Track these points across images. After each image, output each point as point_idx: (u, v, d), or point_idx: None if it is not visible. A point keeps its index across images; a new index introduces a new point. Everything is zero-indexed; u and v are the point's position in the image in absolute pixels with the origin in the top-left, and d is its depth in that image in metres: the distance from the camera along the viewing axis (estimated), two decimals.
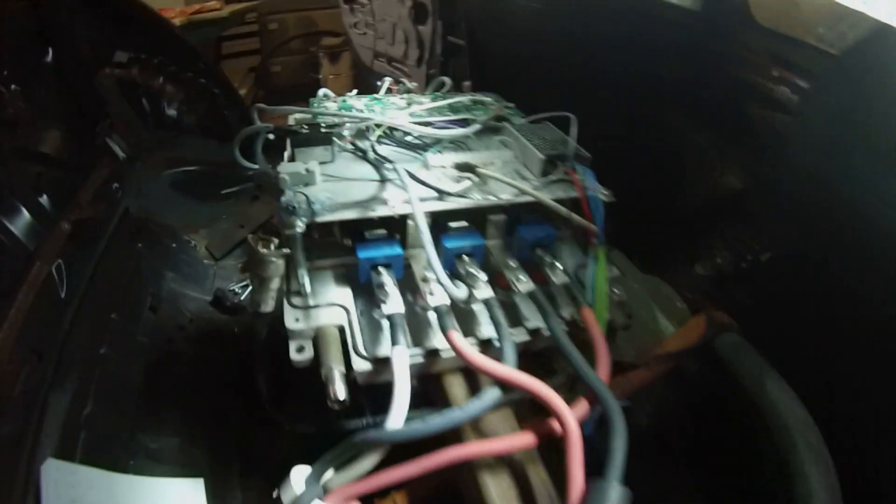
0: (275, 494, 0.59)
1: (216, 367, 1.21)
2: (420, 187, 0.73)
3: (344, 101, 0.96)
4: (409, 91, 1.02)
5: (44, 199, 1.03)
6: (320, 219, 0.68)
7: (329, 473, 0.58)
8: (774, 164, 0.83)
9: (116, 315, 1.07)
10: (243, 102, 1.73)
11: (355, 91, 1.00)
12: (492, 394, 0.60)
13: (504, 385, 0.61)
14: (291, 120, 0.91)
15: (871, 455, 0.67)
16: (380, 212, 0.69)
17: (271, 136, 0.85)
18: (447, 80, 1.03)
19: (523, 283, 0.70)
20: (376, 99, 0.96)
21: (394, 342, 0.62)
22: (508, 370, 0.60)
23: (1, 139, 1.05)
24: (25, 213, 0.96)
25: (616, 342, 0.77)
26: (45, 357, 0.84)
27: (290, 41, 2.71)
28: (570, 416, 0.56)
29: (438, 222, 0.73)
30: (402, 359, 0.61)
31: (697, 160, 1.04)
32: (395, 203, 0.70)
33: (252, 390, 0.94)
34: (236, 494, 0.99)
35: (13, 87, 1.13)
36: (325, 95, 0.98)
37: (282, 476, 0.99)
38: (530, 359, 0.71)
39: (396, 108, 0.92)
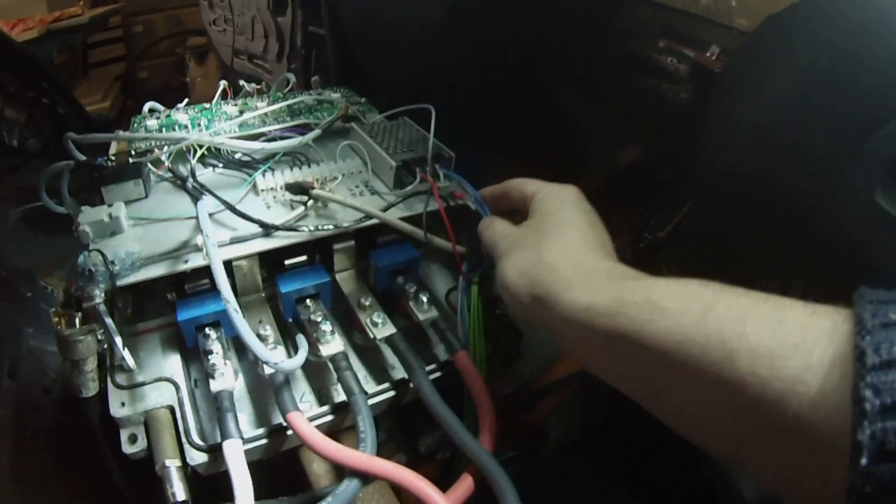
0: None
1: (89, 431, 1.05)
2: (241, 222, 0.59)
3: (169, 115, 0.81)
4: (248, 95, 0.88)
5: None
6: (122, 282, 0.54)
7: None
8: (674, 138, 0.79)
9: None
10: (93, 121, 1.54)
11: (185, 101, 0.84)
12: (350, 487, 0.47)
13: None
14: (113, 148, 0.76)
15: None
16: (192, 262, 0.56)
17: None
18: (291, 76, 0.89)
19: (379, 328, 0.58)
20: (206, 110, 0.81)
21: (223, 434, 0.50)
22: (364, 458, 0.48)
23: None
24: None
25: (513, 366, 0.66)
26: None
27: (156, 43, 2.50)
28: None
29: (273, 262, 0.61)
30: (236, 454, 0.48)
31: (593, 139, 0.97)
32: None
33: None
34: None
35: None
36: (151, 111, 0.83)
37: None
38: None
39: (227, 119, 0.77)
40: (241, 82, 0.90)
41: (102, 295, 0.52)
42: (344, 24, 1.19)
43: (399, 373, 0.60)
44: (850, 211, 0.51)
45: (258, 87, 0.90)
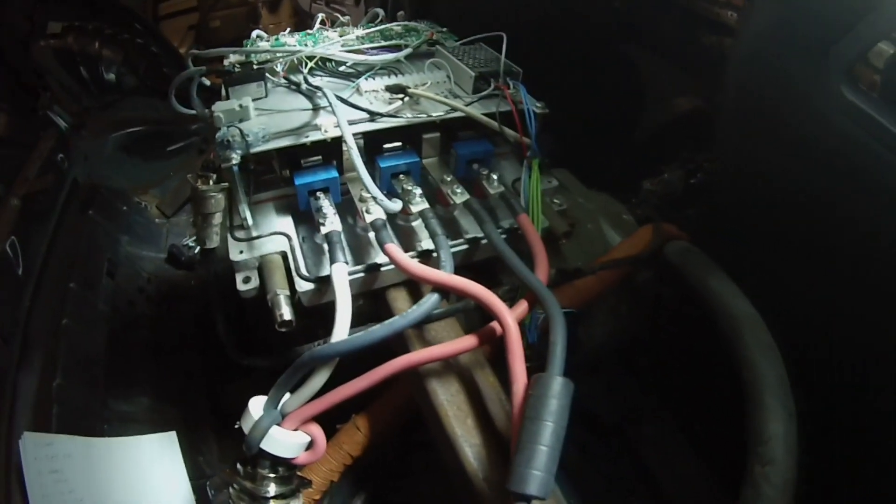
0: (237, 426, 0.59)
1: (178, 324, 1.22)
2: (351, 111, 0.73)
3: (277, 39, 0.95)
4: (343, 25, 1.02)
5: None
6: (255, 150, 0.68)
7: (285, 398, 0.59)
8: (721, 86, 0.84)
9: (75, 285, 1.06)
10: (183, 58, 1.70)
11: (288, 30, 0.99)
12: (431, 299, 0.61)
13: (444, 291, 0.63)
14: (227, 63, 0.90)
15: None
16: (312, 137, 0.70)
17: (206, 81, 0.85)
18: (381, 11, 1.02)
19: (459, 195, 0.71)
20: (309, 35, 0.95)
21: (332, 259, 0.64)
22: (445, 275, 0.62)
23: None
24: None
25: (561, 251, 0.79)
26: (9, 339, 0.84)
27: None
28: (508, 315, 0.57)
29: (373, 146, 0.74)
30: (342, 274, 0.62)
31: (648, 83, 1.07)
32: (327, 128, 0.70)
33: (215, 344, 0.93)
34: (211, 444, 1.01)
35: None
36: (259, 37, 0.97)
37: None
38: (475, 275, 0.73)
39: (330, 42, 0.91)
40: (337, 15, 1.03)
41: (238, 158, 0.66)
42: None
43: (471, 234, 0.73)
44: (822, 107, 0.63)
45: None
